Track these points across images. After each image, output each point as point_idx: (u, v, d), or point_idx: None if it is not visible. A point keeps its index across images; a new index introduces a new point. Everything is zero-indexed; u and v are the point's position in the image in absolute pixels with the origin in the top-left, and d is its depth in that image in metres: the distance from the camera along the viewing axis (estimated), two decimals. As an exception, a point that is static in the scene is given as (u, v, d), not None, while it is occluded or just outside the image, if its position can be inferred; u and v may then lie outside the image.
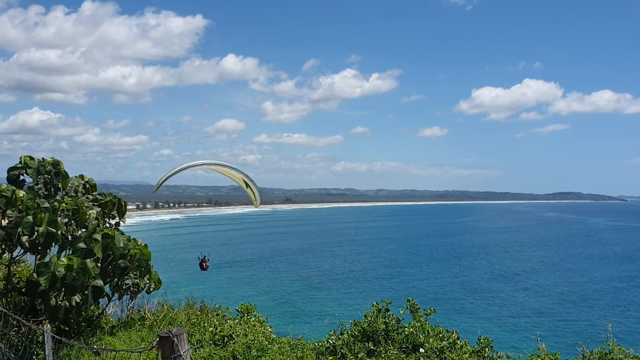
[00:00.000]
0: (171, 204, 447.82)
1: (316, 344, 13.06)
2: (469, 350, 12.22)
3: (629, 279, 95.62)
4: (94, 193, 15.39)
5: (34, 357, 10.59)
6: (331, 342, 12.69)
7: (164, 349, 6.68)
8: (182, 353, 6.60)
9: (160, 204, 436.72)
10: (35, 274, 11.53)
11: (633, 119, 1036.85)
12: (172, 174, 28.17)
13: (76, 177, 15.48)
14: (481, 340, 12.59)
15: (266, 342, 12.65)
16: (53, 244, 12.78)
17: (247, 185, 34.04)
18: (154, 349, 7.44)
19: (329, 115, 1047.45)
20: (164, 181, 27.48)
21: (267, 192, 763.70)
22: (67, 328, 12.89)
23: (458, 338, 12.69)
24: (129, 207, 16.92)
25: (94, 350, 10.48)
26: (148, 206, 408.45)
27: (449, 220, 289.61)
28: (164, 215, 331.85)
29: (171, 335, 6.60)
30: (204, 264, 34.03)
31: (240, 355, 11.72)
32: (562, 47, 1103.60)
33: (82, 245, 12.42)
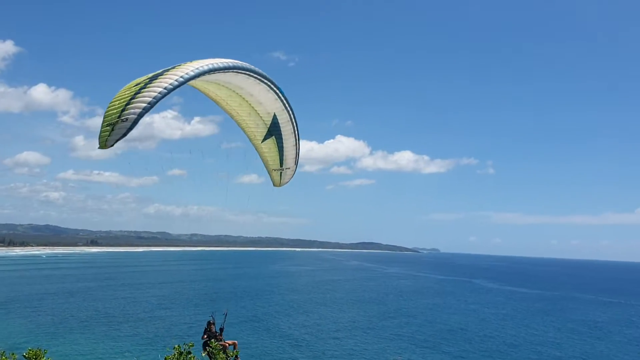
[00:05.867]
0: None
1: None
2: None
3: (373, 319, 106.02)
4: None
5: None
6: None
7: None
8: None
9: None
10: None
11: (429, 178, 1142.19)
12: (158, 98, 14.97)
13: None
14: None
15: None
16: None
17: (272, 132, 20.62)
18: None
19: (146, 155, 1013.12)
20: (142, 112, 14.45)
21: (70, 232, 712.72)
22: None
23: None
24: None
25: None
26: None
27: (251, 267, 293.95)
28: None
29: None
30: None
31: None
32: (370, 109, 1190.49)
33: None
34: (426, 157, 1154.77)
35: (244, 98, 20.15)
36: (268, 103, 20.05)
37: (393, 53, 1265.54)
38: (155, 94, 14.91)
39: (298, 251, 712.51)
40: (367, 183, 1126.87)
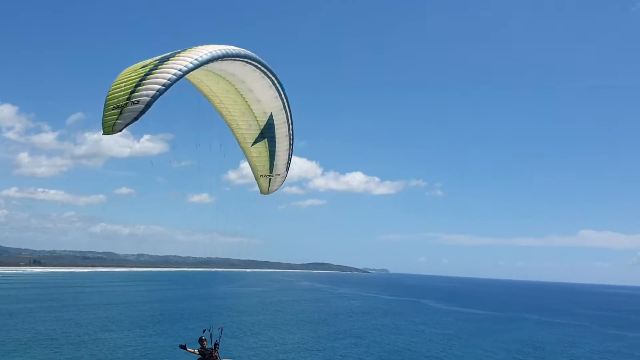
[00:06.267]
0: None
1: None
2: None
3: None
4: None
5: None
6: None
7: None
8: None
9: None
10: None
11: (379, 199, 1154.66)
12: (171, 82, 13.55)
13: None
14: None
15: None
16: None
17: (265, 135, 18.89)
18: None
19: (93, 173, 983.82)
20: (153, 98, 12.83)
21: (12, 251, 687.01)
22: None
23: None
24: None
25: None
26: None
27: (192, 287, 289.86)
28: None
29: None
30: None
31: None
32: (323, 130, 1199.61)
33: None
34: (377, 179, 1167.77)
35: (241, 94, 18.75)
36: (267, 101, 18.67)
37: (346, 75, 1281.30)
38: (170, 75, 13.43)
39: (249, 272, 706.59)
40: (319, 203, 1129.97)
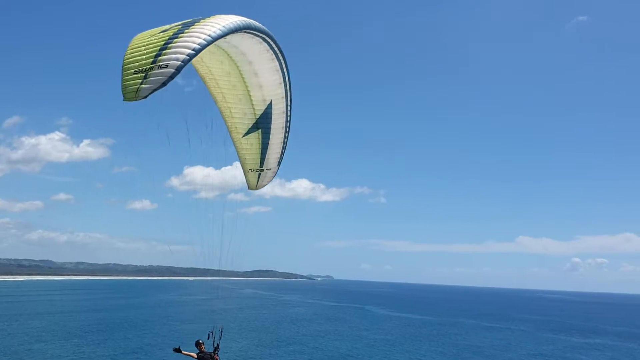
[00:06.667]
0: None
1: None
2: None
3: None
4: None
5: None
6: None
7: None
8: None
9: None
10: None
11: (324, 206, 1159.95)
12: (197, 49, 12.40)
13: None
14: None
15: None
16: None
17: (259, 125, 17.36)
18: None
19: (30, 179, 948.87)
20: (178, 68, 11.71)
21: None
22: None
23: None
24: None
25: None
26: None
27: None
28: None
29: None
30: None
31: None
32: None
33: None
34: (322, 186, 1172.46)
35: (243, 78, 17.41)
36: (270, 87, 17.42)
37: (294, 83, 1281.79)
38: (200, 40, 12.32)
39: (191, 280, 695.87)
40: (264, 210, 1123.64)
